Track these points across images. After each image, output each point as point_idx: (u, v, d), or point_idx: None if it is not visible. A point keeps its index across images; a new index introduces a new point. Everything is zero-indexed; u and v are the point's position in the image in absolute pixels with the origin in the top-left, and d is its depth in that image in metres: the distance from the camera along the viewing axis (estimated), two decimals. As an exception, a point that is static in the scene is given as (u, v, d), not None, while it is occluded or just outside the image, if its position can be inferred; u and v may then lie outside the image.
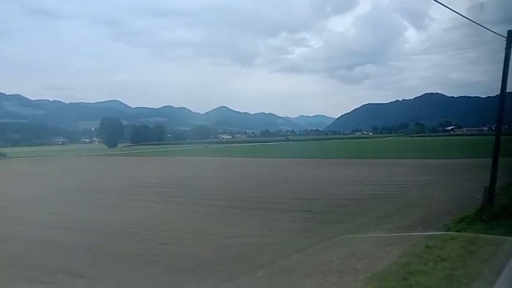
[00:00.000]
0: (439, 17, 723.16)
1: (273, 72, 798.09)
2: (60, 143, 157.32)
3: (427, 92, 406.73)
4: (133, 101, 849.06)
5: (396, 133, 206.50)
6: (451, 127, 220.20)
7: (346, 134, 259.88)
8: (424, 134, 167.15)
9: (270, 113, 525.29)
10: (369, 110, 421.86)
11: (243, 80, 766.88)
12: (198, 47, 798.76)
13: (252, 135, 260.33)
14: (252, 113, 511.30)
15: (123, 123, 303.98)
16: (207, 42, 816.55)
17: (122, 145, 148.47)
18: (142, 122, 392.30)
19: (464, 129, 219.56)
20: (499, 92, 12.58)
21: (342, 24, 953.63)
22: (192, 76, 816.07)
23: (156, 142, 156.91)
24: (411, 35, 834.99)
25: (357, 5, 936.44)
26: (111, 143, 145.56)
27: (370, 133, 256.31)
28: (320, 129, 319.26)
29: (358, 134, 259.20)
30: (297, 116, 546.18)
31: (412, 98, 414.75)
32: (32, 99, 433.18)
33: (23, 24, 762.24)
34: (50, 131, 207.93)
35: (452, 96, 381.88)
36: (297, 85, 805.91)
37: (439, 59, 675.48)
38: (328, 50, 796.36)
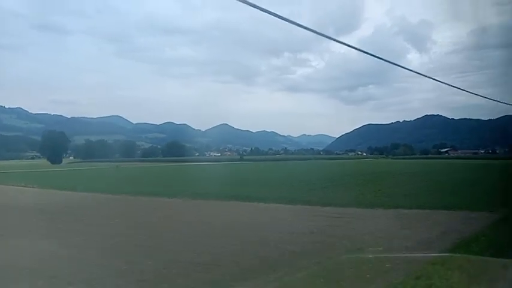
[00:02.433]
0: (441, 40, 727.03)
1: (275, 91, 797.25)
2: (30, 157, 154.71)
3: (428, 114, 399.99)
4: (135, 116, 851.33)
5: (387, 154, 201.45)
6: (446, 149, 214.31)
7: (338, 154, 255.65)
8: (409, 157, 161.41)
9: (272, 131, 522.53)
10: (369, 130, 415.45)
11: (245, 98, 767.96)
12: (201, 65, 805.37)
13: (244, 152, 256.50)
14: (254, 131, 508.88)
15: (123, 138, 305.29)
16: (210, 60, 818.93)
17: (73, 160, 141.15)
18: (140, 138, 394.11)
19: (459, 151, 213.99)
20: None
21: (345, 46, 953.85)
22: (194, 93, 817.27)
23: (105, 158, 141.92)
24: (413, 58, 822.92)
25: (358, 27, 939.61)
26: (55, 159, 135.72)
27: (364, 153, 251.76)
28: (319, 148, 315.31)
29: (351, 154, 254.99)
30: (299, 135, 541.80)
31: (413, 119, 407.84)
32: (33, 112, 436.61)
33: (28, 39, 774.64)
34: (26, 145, 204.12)
35: (452, 118, 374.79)
36: (299, 104, 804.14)
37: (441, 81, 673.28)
38: (331, 70, 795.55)
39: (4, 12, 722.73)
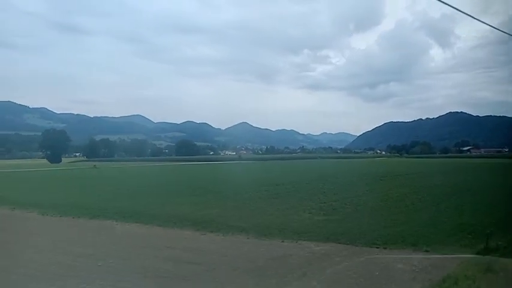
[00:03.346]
0: (465, 35, 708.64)
1: (295, 89, 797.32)
2: (42, 156, 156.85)
3: (451, 111, 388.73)
4: (156, 115, 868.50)
5: (406, 153, 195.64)
6: (468, 148, 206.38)
7: (356, 152, 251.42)
8: (426, 155, 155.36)
9: (292, 130, 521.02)
10: (390, 128, 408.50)
11: (264, 96, 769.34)
12: (221, 64, 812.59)
13: (260, 152, 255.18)
14: (273, 130, 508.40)
15: (144, 138, 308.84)
16: (230, 59, 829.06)
17: (71, 159, 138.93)
18: (160, 137, 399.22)
19: (482, 150, 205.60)
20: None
21: (365, 42, 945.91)
22: (215, 92, 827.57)
23: (108, 157, 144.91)
24: (436, 53, 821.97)
25: (379, 23, 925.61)
26: (54, 158, 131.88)
27: (383, 152, 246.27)
28: (339, 147, 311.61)
29: (370, 152, 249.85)
30: (319, 133, 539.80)
31: (436, 116, 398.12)
32: (57, 112, 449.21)
33: (51, 40, 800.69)
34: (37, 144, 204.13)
35: (477, 116, 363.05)
36: (319, 102, 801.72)
37: (465, 77, 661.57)
38: (351, 67, 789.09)
39: (27, 14, 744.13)
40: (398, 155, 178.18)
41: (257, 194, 23.82)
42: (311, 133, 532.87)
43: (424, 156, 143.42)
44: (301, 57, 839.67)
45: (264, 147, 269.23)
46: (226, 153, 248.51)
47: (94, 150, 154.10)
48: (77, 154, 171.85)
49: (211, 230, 13.70)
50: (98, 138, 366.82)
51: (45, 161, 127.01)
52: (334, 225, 13.94)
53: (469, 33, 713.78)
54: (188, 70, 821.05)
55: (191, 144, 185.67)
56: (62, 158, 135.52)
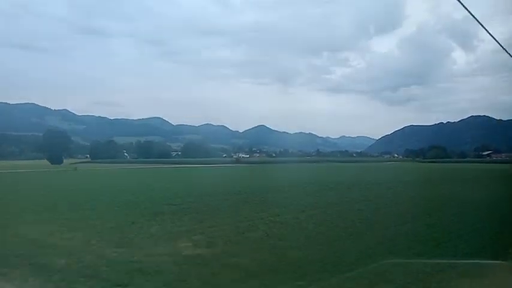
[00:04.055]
0: (489, 38, 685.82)
1: (314, 91, 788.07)
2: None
3: (473, 115, 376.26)
4: (175, 118, 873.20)
5: (422, 157, 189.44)
6: (488, 152, 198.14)
7: (373, 156, 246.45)
8: (441, 160, 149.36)
9: (310, 133, 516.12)
10: (410, 132, 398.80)
11: (283, 99, 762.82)
12: (240, 66, 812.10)
13: (274, 155, 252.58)
14: (291, 133, 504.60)
15: (162, 140, 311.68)
16: (248, 62, 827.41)
17: (76, 160, 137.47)
18: (177, 140, 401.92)
19: (503, 154, 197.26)
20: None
21: (386, 45, 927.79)
22: (233, 94, 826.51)
23: (113, 159, 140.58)
24: (458, 56, 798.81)
25: (400, 25, 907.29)
26: (55, 159, 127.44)
27: (400, 156, 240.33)
28: (357, 150, 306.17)
29: (386, 156, 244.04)
30: (338, 137, 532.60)
31: (457, 120, 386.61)
32: (79, 114, 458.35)
33: (72, 43, 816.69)
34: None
35: (500, 119, 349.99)
36: (339, 105, 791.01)
37: (488, 81, 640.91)
38: (372, 70, 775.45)
39: (50, 18, 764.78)
40: (411, 159, 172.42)
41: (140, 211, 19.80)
42: (330, 136, 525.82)
43: (438, 161, 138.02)
44: (321, 60, 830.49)
45: (278, 150, 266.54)
46: (240, 155, 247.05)
47: (98, 152, 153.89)
48: (85, 156, 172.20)
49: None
50: (116, 140, 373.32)
51: (46, 162, 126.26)
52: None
53: (493, 36, 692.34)
54: (207, 72, 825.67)
55: (197, 147, 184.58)
56: (67, 159, 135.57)
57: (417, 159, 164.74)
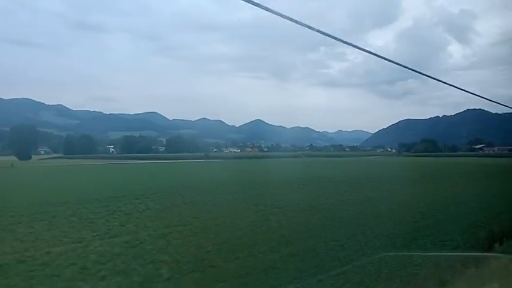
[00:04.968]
0: (485, 31, 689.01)
1: (311, 86, 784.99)
2: (42, 152, 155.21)
3: (469, 108, 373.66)
4: (172, 113, 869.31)
5: (414, 151, 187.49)
6: (480, 146, 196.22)
7: (366, 150, 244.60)
8: (428, 154, 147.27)
9: (306, 127, 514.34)
10: (406, 126, 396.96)
11: (279, 93, 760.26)
12: (236, 61, 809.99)
13: (266, 149, 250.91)
14: (288, 127, 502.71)
15: (157, 135, 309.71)
16: (245, 57, 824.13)
17: (45, 156, 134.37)
18: (173, 134, 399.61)
19: (496, 148, 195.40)
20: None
21: (382, 39, 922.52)
22: (229, 90, 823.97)
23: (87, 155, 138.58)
24: (455, 50, 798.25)
25: (397, 19, 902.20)
26: (23, 155, 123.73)
27: (394, 150, 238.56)
28: (355, 145, 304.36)
29: (379, 150, 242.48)
30: (335, 131, 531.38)
31: (453, 114, 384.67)
32: (74, 109, 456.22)
33: (70, 38, 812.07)
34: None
35: (496, 113, 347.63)
36: (335, 100, 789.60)
37: (485, 74, 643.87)
38: (368, 64, 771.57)
39: (45, 13, 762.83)
40: (397, 153, 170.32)
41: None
42: (327, 131, 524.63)
43: (425, 155, 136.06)
44: (318, 54, 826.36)
45: (270, 144, 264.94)
46: (231, 150, 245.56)
47: (72, 147, 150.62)
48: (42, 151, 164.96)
49: None
50: (111, 135, 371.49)
51: (14, 158, 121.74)
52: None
53: (490, 29, 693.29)
54: (204, 68, 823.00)
55: (184, 141, 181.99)
56: (39, 155, 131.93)
57: (404, 153, 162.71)
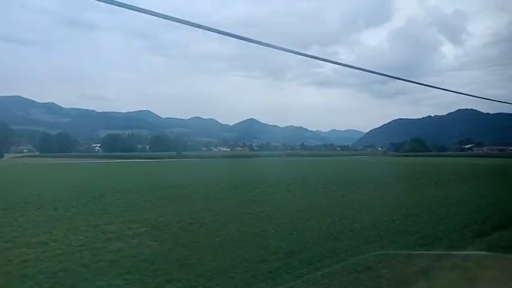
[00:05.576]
0: (478, 32, 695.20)
1: (304, 85, 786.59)
2: (25, 150, 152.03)
3: (461, 108, 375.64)
4: (165, 111, 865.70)
5: (402, 150, 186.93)
6: (469, 145, 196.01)
7: (356, 149, 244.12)
8: (414, 153, 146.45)
9: (300, 127, 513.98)
10: (398, 126, 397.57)
11: (273, 93, 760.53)
12: (230, 60, 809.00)
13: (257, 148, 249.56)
14: (281, 126, 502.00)
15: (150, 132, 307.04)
16: (238, 56, 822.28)
17: (19, 154, 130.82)
18: (166, 133, 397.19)
19: (485, 148, 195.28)
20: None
21: (375, 38, 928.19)
22: (223, 88, 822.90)
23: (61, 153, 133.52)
24: (448, 50, 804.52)
25: (390, 19, 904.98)
26: None
27: (384, 149, 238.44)
28: (347, 144, 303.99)
29: (369, 150, 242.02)
30: (328, 130, 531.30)
31: (445, 114, 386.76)
32: (65, 107, 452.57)
33: (62, 35, 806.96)
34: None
35: (487, 113, 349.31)
36: (329, 99, 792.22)
37: (477, 74, 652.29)
38: (361, 64, 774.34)
39: (36, 10, 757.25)
40: (382, 153, 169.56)
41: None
42: (320, 130, 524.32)
43: (412, 155, 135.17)
44: (310, 54, 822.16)
45: (261, 143, 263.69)
46: (221, 149, 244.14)
47: (49, 145, 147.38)
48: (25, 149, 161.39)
49: None
50: (102, 133, 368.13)
51: None
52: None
53: (482, 30, 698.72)
54: (197, 66, 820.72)
55: (166, 140, 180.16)
56: (21, 153, 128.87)
57: (389, 152, 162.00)
